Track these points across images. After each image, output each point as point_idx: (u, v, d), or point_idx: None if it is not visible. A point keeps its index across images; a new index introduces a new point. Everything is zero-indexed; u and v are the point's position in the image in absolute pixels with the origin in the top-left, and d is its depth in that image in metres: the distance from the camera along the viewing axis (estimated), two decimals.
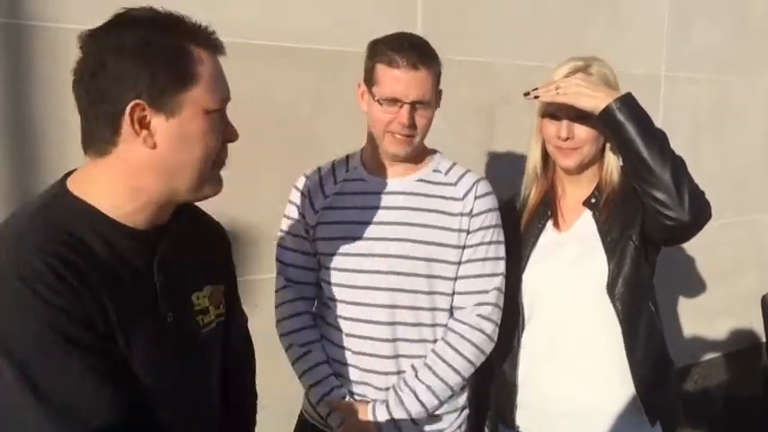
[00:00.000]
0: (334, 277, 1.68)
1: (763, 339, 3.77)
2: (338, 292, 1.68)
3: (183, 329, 1.13)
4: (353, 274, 1.65)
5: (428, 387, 1.62)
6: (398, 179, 1.68)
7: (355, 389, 1.69)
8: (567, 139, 1.67)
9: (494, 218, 1.68)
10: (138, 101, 0.99)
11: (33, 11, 1.79)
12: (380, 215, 1.65)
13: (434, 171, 1.70)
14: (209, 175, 1.09)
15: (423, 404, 1.62)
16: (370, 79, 1.61)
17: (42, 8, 1.80)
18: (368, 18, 2.27)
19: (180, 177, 1.06)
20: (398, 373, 1.66)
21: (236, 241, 1.94)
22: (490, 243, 1.67)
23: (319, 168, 1.76)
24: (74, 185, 1.07)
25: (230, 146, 1.13)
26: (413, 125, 1.58)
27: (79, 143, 1.06)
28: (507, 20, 2.63)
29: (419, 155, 1.69)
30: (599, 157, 1.74)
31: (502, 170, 2.59)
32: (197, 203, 1.22)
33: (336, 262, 1.67)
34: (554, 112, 1.68)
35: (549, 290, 1.74)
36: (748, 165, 3.63)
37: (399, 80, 1.55)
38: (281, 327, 1.73)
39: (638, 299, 1.68)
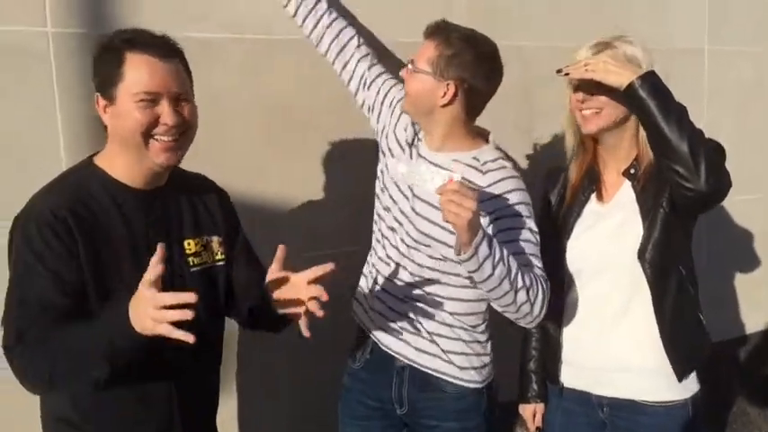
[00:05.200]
0: (382, 218, 1.95)
1: None
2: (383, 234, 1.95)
3: (172, 266, 1.48)
4: (393, 224, 1.90)
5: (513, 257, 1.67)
6: (440, 153, 1.86)
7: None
8: (584, 101, 1.78)
9: (519, 209, 1.78)
10: (97, 93, 1.44)
11: None
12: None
13: (474, 158, 1.84)
14: (144, 144, 1.43)
15: (504, 262, 1.63)
16: None
17: None
18: (408, 8, 2.38)
19: (126, 145, 1.44)
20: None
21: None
22: (519, 228, 1.77)
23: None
24: (98, 159, 1.51)
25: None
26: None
27: None
28: (541, 2, 2.68)
29: (465, 140, 1.86)
30: (632, 129, 1.83)
31: (540, 150, 2.69)
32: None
33: (386, 204, 1.92)
34: (581, 87, 1.79)
35: (591, 257, 1.87)
36: None
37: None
38: None
39: (667, 262, 1.79)
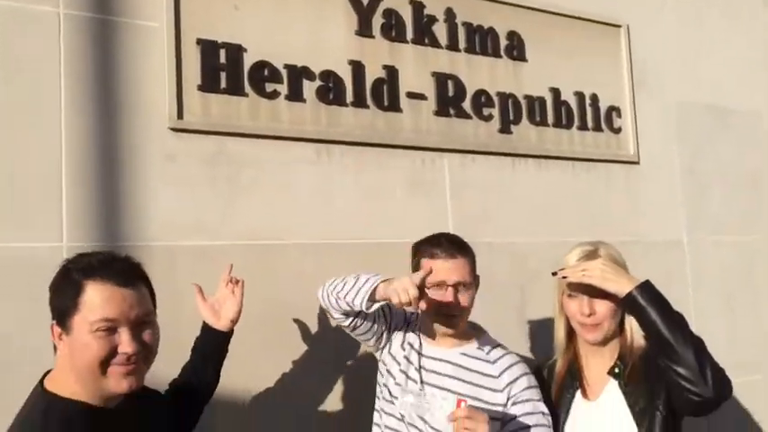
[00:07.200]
0: (389, 418, 1.91)
1: None
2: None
3: None
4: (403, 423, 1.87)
5: None
6: (446, 349, 1.93)
7: None
8: (590, 315, 1.83)
9: (529, 393, 1.89)
10: (53, 322, 1.41)
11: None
12: (430, 377, 1.89)
13: (478, 348, 1.94)
14: (104, 375, 1.38)
15: None
16: None
17: None
18: (404, 213, 2.57)
19: (83, 377, 1.38)
20: None
21: None
22: (532, 413, 1.86)
23: (408, 318, 2.04)
24: (50, 383, 1.43)
25: None
26: (457, 304, 1.85)
27: None
28: (528, 202, 2.87)
29: (466, 332, 1.95)
30: (619, 329, 1.88)
31: (536, 337, 2.76)
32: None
33: (393, 406, 1.90)
34: (575, 290, 1.86)
35: None
36: None
37: (442, 268, 1.84)
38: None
39: None
